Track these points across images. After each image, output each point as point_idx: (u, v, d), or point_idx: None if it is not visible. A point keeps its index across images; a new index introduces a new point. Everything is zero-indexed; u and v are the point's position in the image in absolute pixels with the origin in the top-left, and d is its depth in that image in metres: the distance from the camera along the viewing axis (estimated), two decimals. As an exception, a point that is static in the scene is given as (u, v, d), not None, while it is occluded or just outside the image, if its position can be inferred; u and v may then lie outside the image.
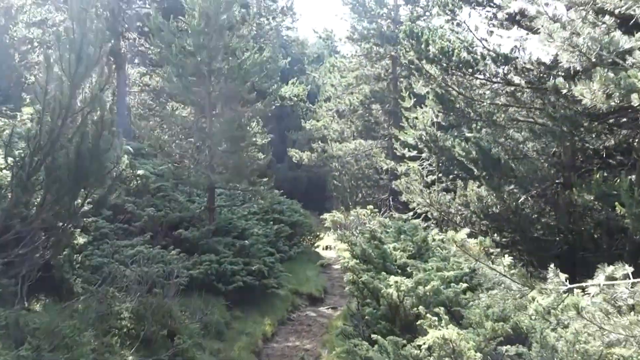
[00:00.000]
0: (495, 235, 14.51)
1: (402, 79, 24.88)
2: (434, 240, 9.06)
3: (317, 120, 27.14)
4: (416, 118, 16.68)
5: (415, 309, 6.46)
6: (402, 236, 8.87)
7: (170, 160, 11.66)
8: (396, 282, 6.44)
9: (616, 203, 8.67)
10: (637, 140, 12.61)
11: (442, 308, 6.03)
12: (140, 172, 11.62)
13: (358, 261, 7.53)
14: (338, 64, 26.15)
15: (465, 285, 6.89)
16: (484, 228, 14.73)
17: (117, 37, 17.60)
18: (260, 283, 10.17)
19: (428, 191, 15.11)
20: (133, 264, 8.69)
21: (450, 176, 16.95)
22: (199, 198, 12.69)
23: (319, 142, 26.72)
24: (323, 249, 19.20)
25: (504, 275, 5.12)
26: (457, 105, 14.42)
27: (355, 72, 24.88)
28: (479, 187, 13.84)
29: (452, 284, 6.89)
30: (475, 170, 13.68)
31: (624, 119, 12.86)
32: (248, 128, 11.15)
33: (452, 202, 15.65)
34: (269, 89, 11.14)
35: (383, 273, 7.43)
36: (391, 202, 23.07)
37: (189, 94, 10.63)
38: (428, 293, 6.41)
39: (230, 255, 10.34)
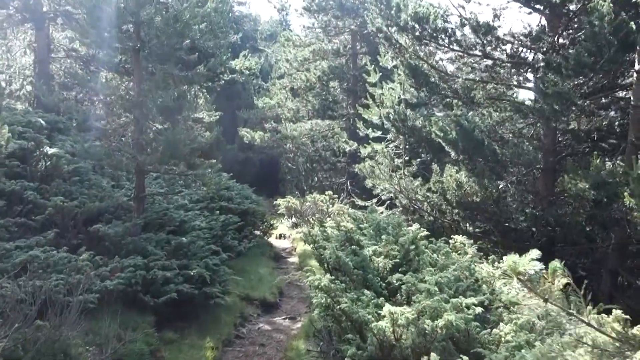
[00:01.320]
0: (468, 225, 12.78)
1: (362, 55, 22.76)
2: (421, 240, 6.96)
3: (270, 98, 24.67)
4: (382, 94, 14.53)
5: (418, 351, 4.33)
6: (383, 236, 6.71)
7: (91, 137, 9.13)
8: (392, 313, 4.28)
9: (625, 193, 7.03)
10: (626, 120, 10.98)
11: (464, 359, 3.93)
12: (50, 150, 9.02)
13: (332, 277, 5.30)
14: (293, 38, 23.70)
15: (479, 309, 4.82)
16: (457, 218, 12.95)
17: (36, -8, 14.64)
18: (201, 292, 7.83)
19: (398, 176, 13.05)
20: (23, 274, 6.22)
21: (418, 159, 14.93)
22: (129, 184, 10.20)
23: (272, 122, 24.36)
24: (276, 237, 16.96)
25: (598, 330, 3.02)
26: (432, 79, 12.40)
27: (312, 46, 22.54)
28: (457, 172, 11.94)
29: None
30: (454, 153, 11.72)
31: (607, 98, 11.22)
32: (187, 97, 8.69)
33: (420, 188, 13.80)
34: (215, 50, 8.81)
35: (365, 291, 5.27)
36: (349, 187, 21.03)
37: (109, 51, 8.10)
38: (439, 330, 4.27)
39: (162, 257, 7.93)
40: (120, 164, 7.88)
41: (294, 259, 13.67)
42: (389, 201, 15.80)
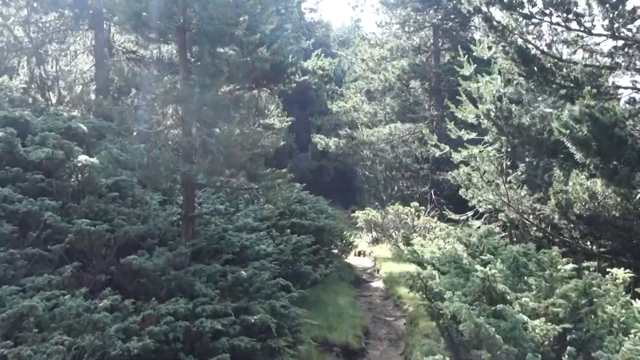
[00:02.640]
0: (589, 243, 10.13)
1: (444, 52, 20.16)
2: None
3: (345, 102, 22.51)
4: (479, 88, 11.91)
5: None
6: (531, 281, 4.27)
7: (134, 143, 7.28)
8: None
9: None
10: None
11: None
12: (84, 159, 7.18)
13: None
14: (369, 37, 21.42)
15: None
16: (576, 234, 10.29)
17: (92, -9, 13.20)
18: (265, 344, 5.69)
19: (506, 185, 10.46)
20: (12, 334, 4.29)
21: (522, 164, 12.20)
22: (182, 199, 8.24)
23: (347, 127, 22.19)
24: (355, 255, 14.67)
25: None
26: (548, 66, 9.88)
27: (389, 44, 20.18)
28: (588, 179, 9.31)
29: None
30: (580, 154, 9.01)
31: None
32: (247, 90, 6.60)
33: (527, 199, 11.27)
34: (279, 31, 6.73)
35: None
36: (434, 196, 18.41)
37: (144, 30, 6.17)
38: None
39: (214, 297, 5.85)
40: (158, 176, 5.87)
41: (378, 284, 11.32)
42: (487, 214, 13.19)
